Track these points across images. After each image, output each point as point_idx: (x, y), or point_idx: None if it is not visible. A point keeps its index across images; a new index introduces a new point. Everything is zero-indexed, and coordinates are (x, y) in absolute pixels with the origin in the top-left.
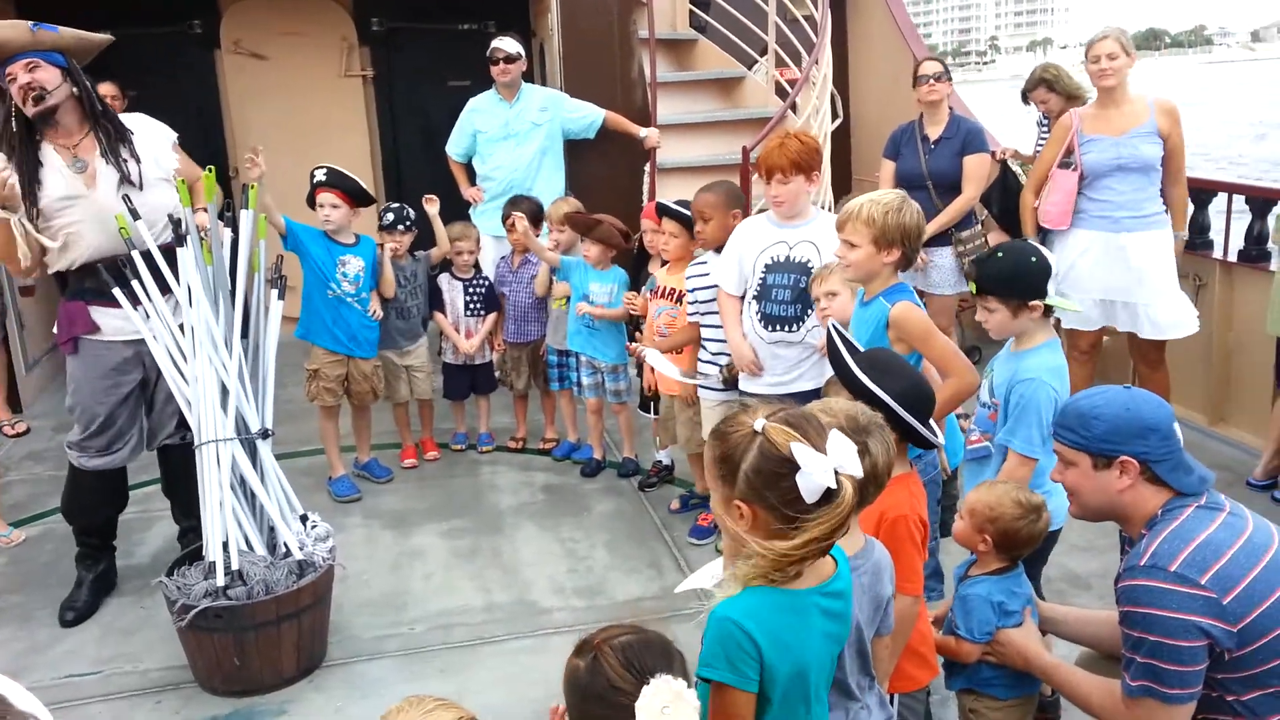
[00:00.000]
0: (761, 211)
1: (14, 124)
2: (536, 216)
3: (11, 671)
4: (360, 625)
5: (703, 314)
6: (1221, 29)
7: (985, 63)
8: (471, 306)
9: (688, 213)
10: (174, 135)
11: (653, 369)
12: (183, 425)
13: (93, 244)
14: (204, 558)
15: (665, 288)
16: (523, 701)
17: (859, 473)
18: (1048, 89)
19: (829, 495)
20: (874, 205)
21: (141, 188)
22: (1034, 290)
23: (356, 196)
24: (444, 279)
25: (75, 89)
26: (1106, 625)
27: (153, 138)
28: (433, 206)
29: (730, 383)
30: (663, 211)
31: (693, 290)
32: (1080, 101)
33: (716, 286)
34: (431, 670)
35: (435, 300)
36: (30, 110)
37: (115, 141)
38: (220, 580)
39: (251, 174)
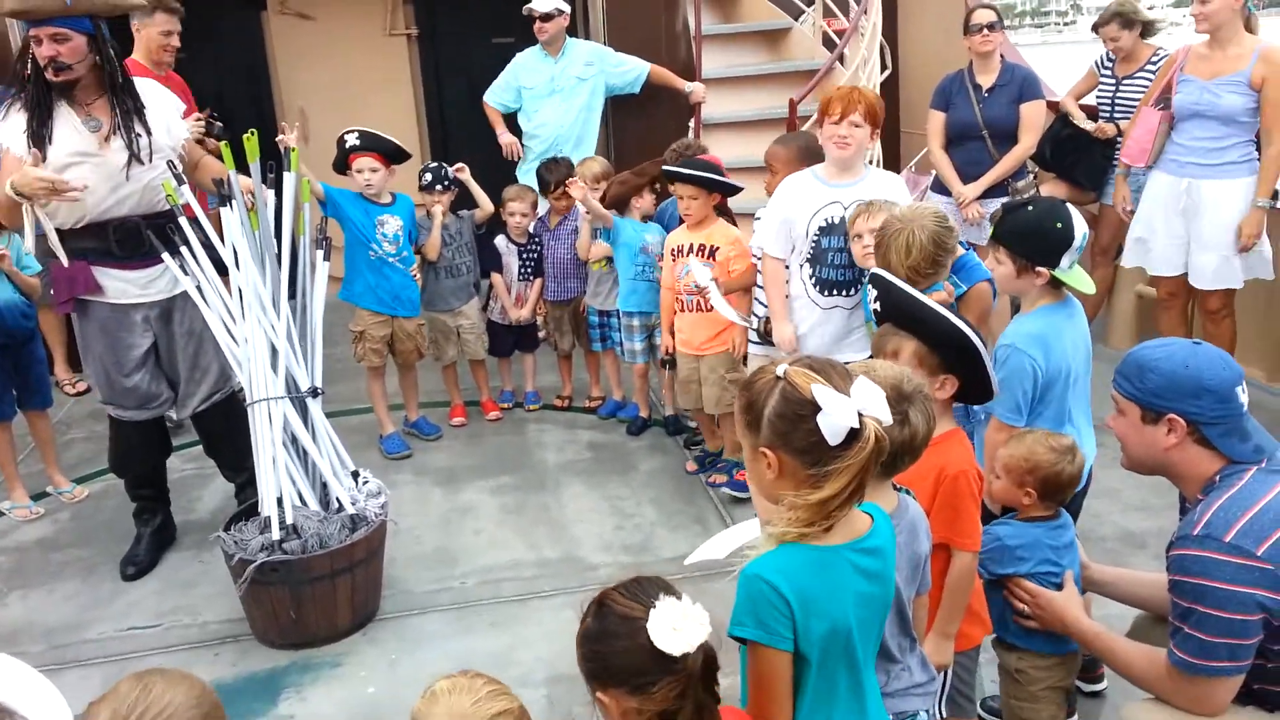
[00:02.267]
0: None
1: (28, 66)
2: (569, 177)
3: (75, 624)
4: (412, 579)
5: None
6: None
7: (1067, 23)
8: (524, 271)
9: (696, 173)
10: (183, 105)
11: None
12: (213, 392)
13: (100, 203)
14: (260, 513)
15: (693, 245)
16: (572, 655)
17: (887, 417)
18: (1122, 24)
19: (853, 437)
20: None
21: (150, 161)
22: (1044, 256)
23: (392, 156)
24: (500, 241)
25: (99, 57)
26: (1159, 588)
27: (164, 107)
28: (463, 174)
29: (767, 336)
30: (670, 176)
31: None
32: (1151, 36)
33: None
34: (482, 624)
35: (493, 261)
36: (50, 77)
37: (130, 115)
38: (275, 534)
39: (289, 141)
